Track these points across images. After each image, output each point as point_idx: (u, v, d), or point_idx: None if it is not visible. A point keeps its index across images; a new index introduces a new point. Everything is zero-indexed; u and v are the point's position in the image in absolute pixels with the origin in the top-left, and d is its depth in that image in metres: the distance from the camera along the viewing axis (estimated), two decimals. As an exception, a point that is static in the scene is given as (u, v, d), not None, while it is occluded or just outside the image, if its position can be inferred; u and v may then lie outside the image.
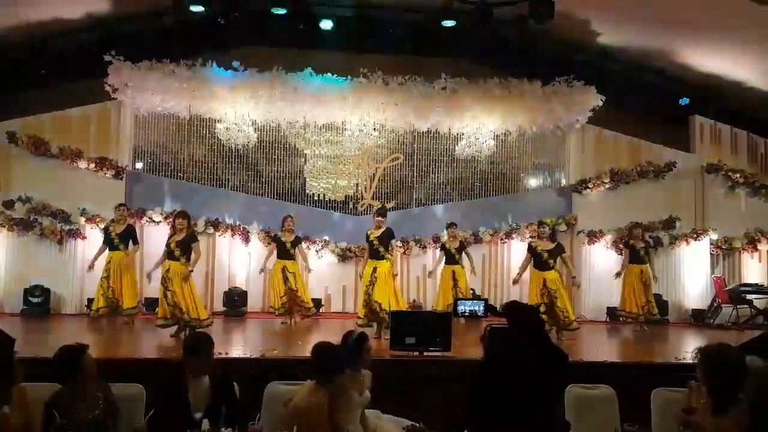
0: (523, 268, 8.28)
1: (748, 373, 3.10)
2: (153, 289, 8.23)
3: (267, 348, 6.44)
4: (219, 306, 10.00)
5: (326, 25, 10.27)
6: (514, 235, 10.78)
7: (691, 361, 3.31)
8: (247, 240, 10.40)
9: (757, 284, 10.41)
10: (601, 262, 10.51)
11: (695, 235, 10.69)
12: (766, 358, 3.58)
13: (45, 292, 9.42)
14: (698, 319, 10.27)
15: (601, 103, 10.51)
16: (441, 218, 10.54)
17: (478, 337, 3.70)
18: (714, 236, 10.79)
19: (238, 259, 10.42)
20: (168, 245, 7.46)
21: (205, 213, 10.25)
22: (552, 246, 7.99)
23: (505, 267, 10.70)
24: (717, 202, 11.05)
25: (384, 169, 11.03)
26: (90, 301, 8.91)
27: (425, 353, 5.89)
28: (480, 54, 11.10)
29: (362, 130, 10.70)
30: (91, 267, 8.56)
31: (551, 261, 7.94)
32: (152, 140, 10.62)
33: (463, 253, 9.27)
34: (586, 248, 10.67)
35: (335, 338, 4.16)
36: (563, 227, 10.60)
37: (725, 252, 10.97)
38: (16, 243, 9.71)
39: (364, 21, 10.64)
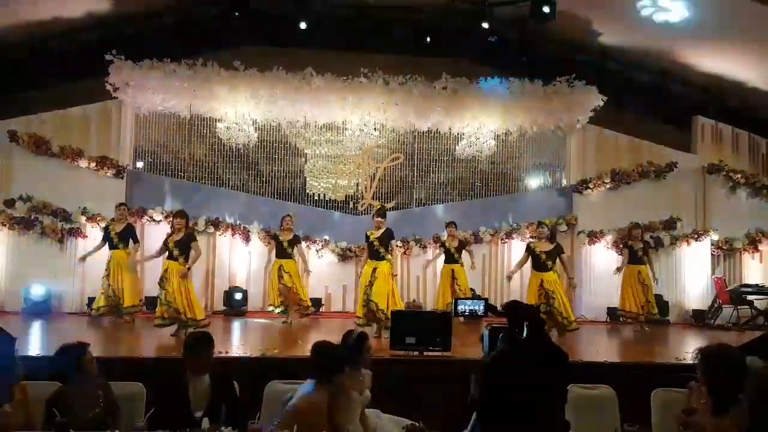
0: (519, 266, 8.30)
1: (749, 374, 3.10)
2: (153, 288, 8.23)
3: (267, 347, 6.44)
4: (219, 305, 10.01)
5: (328, 24, 10.29)
6: (514, 235, 10.77)
7: (691, 362, 3.30)
8: (247, 239, 10.40)
9: (757, 285, 10.38)
10: (601, 263, 10.48)
11: (696, 236, 10.66)
12: (766, 358, 3.58)
13: (45, 290, 9.41)
14: (699, 319, 10.24)
15: (602, 103, 10.51)
16: (441, 218, 10.51)
17: (478, 338, 3.71)
18: (715, 237, 10.77)
19: (239, 259, 10.42)
20: (166, 243, 7.49)
21: (206, 212, 10.25)
22: (550, 247, 7.95)
23: (506, 267, 10.64)
24: (718, 203, 11.03)
25: (384, 168, 11.03)
26: (91, 299, 8.95)
27: (425, 353, 5.90)
28: (480, 54, 11.09)
29: (363, 130, 10.71)
30: (82, 259, 8.77)
31: (549, 262, 7.90)
32: (153, 139, 10.63)
33: (464, 250, 9.29)
34: (586, 248, 10.65)
35: (335, 338, 4.16)
36: (564, 227, 10.59)
37: (726, 252, 10.95)
38: (17, 242, 9.70)
39: (364, 21, 10.64)
